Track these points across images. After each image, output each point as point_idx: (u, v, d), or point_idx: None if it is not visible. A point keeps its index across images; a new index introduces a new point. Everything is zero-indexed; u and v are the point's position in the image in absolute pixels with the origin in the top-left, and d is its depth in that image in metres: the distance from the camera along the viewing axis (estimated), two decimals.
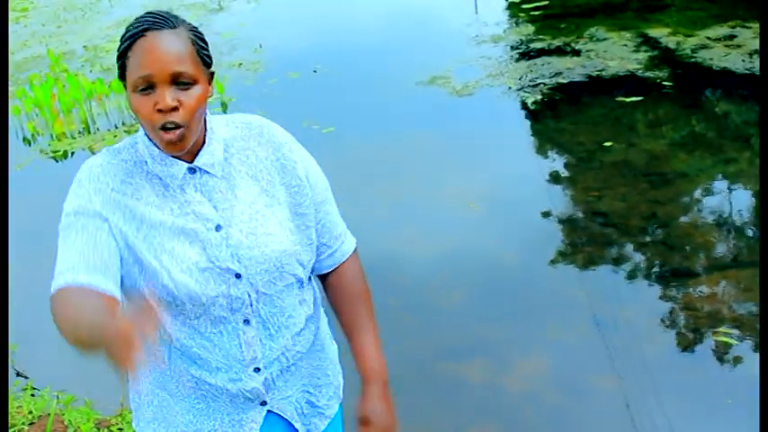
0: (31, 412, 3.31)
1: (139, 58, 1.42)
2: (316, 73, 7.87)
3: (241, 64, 8.48)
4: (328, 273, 1.74)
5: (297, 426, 1.72)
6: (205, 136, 1.54)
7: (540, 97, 6.43)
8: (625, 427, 3.14)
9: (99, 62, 9.29)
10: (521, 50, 7.70)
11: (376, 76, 7.55)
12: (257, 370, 1.60)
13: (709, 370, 3.41)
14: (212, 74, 1.54)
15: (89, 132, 7.27)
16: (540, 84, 6.69)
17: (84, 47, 10.19)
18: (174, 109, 1.42)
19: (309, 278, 1.72)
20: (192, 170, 1.54)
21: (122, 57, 1.45)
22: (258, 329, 1.58)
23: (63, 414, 3.28)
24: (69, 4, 13.00)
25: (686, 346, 3.56)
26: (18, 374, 3.95)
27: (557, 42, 7.70)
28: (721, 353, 3.48)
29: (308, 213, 1.63)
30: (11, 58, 10.14)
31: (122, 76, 1.47)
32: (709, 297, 3.84)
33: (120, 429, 3.20)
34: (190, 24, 1.50)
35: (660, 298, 3.89)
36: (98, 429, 3.20)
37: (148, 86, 1.42)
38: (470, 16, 9.42)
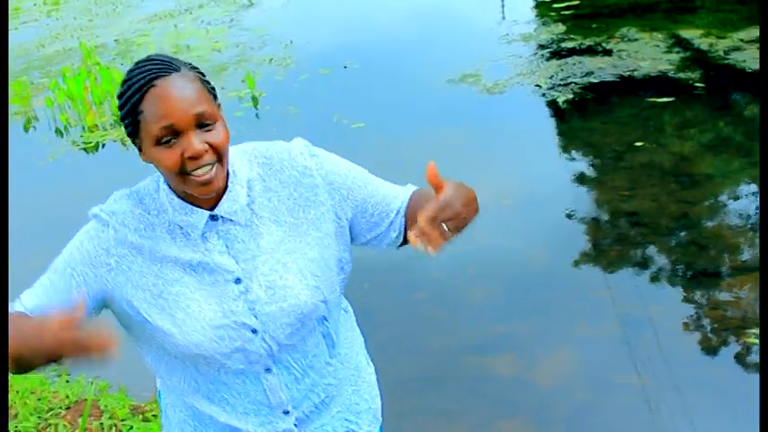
0: (67, 397, 3.37)
1: (157, 110, 1.34)
2: (346, 69, 7.90)
3: (272, 60, 8.53)
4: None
5: None
6: (227, 180, 1.47)
7: (570, 96, 6.42)
8: (650, 424, 3.15)
9: (130, 55, 9.38)
10: (551, 50, 7.68)
11: (406, 73, 7.56)
12: (286, 412, 1.58)
13: (736, 370, 3.40)
14: (219, 105, 1.47)
15: (120, 125, 7.34)
16: (570, 83, 6.68)
17: (116, 40, 10.30)
18: (205, 153, 1.38)
19: (340, 291, 1.64)
20: (215, 218, 1.48)
21: (132, 113, 1.37)
22: (281, 376, 1.55)
23: (98, 399, 3.33)
24: None
25: (713, 346, 3.55)
26: None
27: (588, 42, 7.67)
28: (748, 354, 3.47)
29: (337, 238, 1.56)
30: (42, 50, 10.28)
31: (134, 132, 1.40)
32: (738, 298, 3.83)
33: (154, 416, 3.24)
34: (189, 64, 1.44)
35: (688, 298, 3.89)
36: (133, 415, 3.25)
37: (171, 136, 1.36)
38: (499, 15, 9.42)
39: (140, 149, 1.42)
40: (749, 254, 4.26)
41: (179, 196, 1.47)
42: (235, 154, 1.50)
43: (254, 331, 1.48)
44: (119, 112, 1.42)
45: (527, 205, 4.97)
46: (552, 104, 6.40)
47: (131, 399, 3.40)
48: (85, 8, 12.57)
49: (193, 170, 1.38)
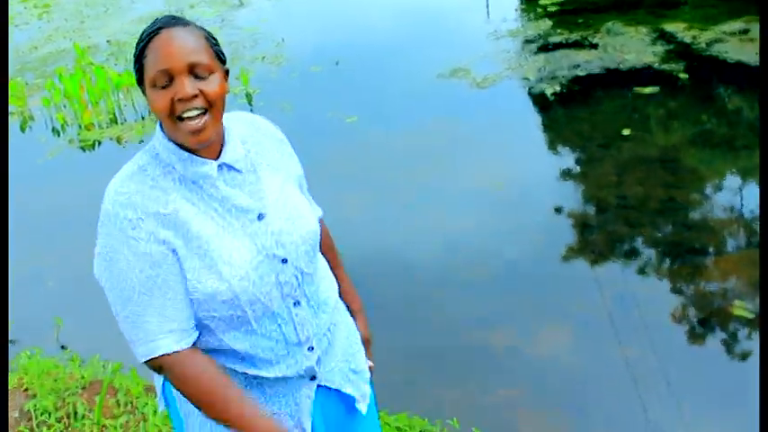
0: (83, 377, 3.49)
1: (156, 55, 1.45)
2: (337, 66, 8.04)
3: (264, 57, 8.66)
4: None
5: (347, 390, 1.81)
6: (224, 134, 1.58)
7: (558, 89, 6.59)
8: (640, 392, 3.30)
9: (123, 56, 9.48)
10: (538, 44, 7.85)
11: (397, 69, 7.71)
12: (311, 349, 1.69)
13: (722, 340, 3.58)
14: (227, 71, 1.58)
15: (116, 123, 7.46)
16: (558, 76, 6.85)
17: (108, 41, 10.39)
18: (194, 98, 1.46)
19: None
20: (220, 167, 1.57)
21: (139, 58, 1.48)
22: (306, 308, 1.66)
23: (112, 380, 3.45)
24: (91, 1, 13.21)
25: (700, 318, 3.72)
26: (62, 347, 4.14)
27: (574, 36, 7.85)
28: (733, 324, 3.64)
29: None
30: (35, 52, 10.36)
31: (140, 79, 1.50)
32: (723, 274, 4.00)
33: None
34: (199, 26, 1.54)
35: (675, 275, 4.06)
36: (146, 393, 3.38)
37: (167, 81, 1.45)
38: (495, 12, 9.59)
39: (144, 92, 1.52)
40: (734, 234, 4.43)
41: (184, 149, 1.54)
42: (226, 117, 1.60)
43: (284, 261, 1.60)
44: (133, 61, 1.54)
45: (520, 192, 5.13)
46: (541, 97, 6.57)
47: (143, 378, 3.53)
48: (76, 10, 12.65)
49: (183, 113, 1.46)
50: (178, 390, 1.57)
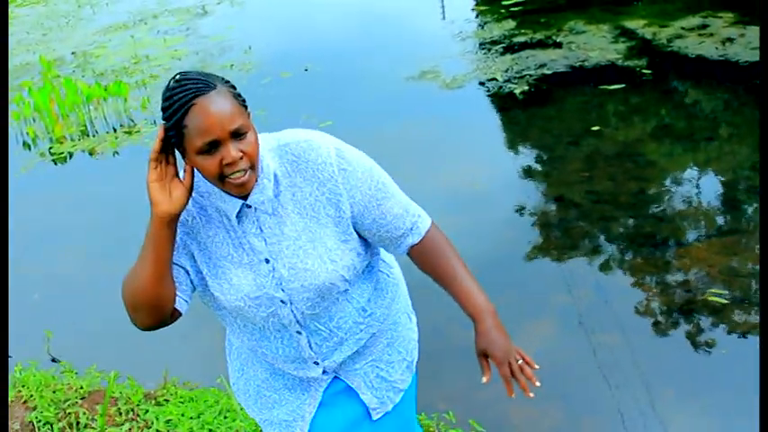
0: (81, 387, 3.54)
1: (199, 126, 1.52)
2: (307, 72, 8.12)
3: (233, 65, 8.71)
4: (410, 251, 1.83)
5: (365, 398, 1.93)
6: (257, 175, 1.65)
7: (526, 88, 6.74)
8: (623, 380, 3.43)
9: (90, 68, 9.47)
10: (504, 44, 8.00)
11: (366, 73, 7.82)
12: (316, 363, 1.85)
13: (703, 326, 3.72)
14: (249, 114, 1.65)
15: (88, 135, 7.46)
16: (525, 75, 7.01)
17: (73, 53, 10.35)
18: (240, 159, 1.57)
19: (373, 268, 1.88)
20: (248, 206, 1.69)
21: (177, 127, 1.55)
22: (310, 337, 1.81)
23: (111, 389, 3.50)
24: (51, 13, 13.14)
25: (679, 307, 3.87)
26: (53, 360, 4.17)
27: (538, 36, 8.02)
28: (710, 310, 3.79)
29: (355, 237, 1.76)
30: None
31: (179, 142, 1.58)
32: (697, 263, 4.15)
33: (166, 400, 3.44)
34: (223, 78, 1.61)
35: (650, 264, 4.20)
36: (146, 400, 3.44)
37: (211, 147, 1.55)
38: (451, 14, 9.74)
39: (183, 155, 1.61)
40: (705, 223, 4.60)
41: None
42: (265, 149, 1.68)
43: (283, 302, 1.73)
44: (165, 122, 1.59)
45: (493, 190, 5.26)
46: (510, 96, 6.71)
47: (141, 386, 3.59)
48: (37, 23, 12.57)
49: (230, 174, 1.57)
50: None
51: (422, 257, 1.81)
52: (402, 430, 2.08)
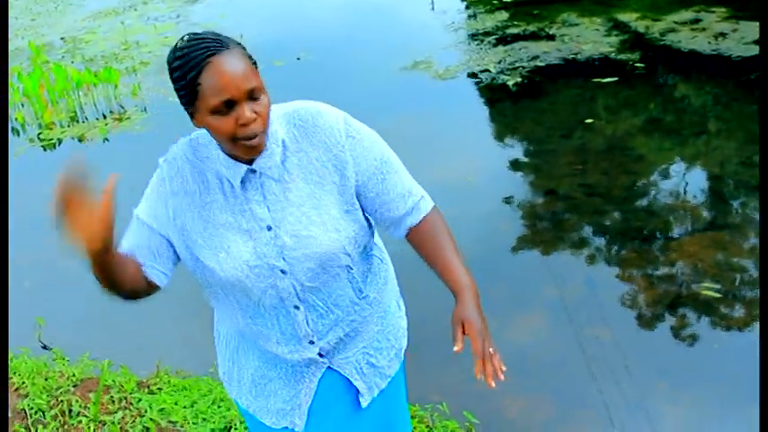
0: (74, 375, 3.53)
1: (215, 84, 1.51)
2: (299, 61, 8.10)
3: None
4: (407, 234, 1.82)
5: (357, 384, 1.92)
6: (266, 140, 1.64)
7: (519, 79, 6.75)
8: (615, 373, 3.45)
9: (80, 53, 9.40)
10: (497, 36, 8.00)
11: (359, 63, 7.80)
12: (311, 342, 1.81)
13: (696, 319, 3.75)
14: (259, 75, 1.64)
15: (77, 121, 7.42)
16: (518, 67, 7.01)
17: (62, 38, 10.28)
18: (254, 121, 1.56)
19: (370, 250, 1.86)
20: (253, 171, 1.66)
21: (190, 86, 1.53)
22: (307, 313, 1.76)
23: (104, 377, 3.50)
24: None
25: (672, 299, 3.89)
26: (44, 347, 4.16)
27: (531, 28, 8.02)
28: (701, 301, 3.82)
29: (358, 209, 1.75)
30: None
31: (190, 102, 1.56)
32: (690, 256, 4.18)
33: (159, 389, 3.43)
34: (235, 40, 1.59)
35: (643, 257, 4.22)
36: (139, 388, 3.43)
37: (228, 108, 1.53)
38: (440, 4, 9.73)
39: (192, 115, 1.59)
40: (698, 217, 4.62)
41: (223, 151, 1.66)
42: (274, 115, 1.66)
43: (284, 272, 1.69)
44: (173, 83, 1.58)
45: (486, 182, 5.26)
46: (503, 88, 6.71)
47: (135, 375, 3.58)
48: (26, 7, 12.47)
49: (243, 136, 1.56)
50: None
51: (419, 238, 1.80)
52: (391, 417, 2.08)
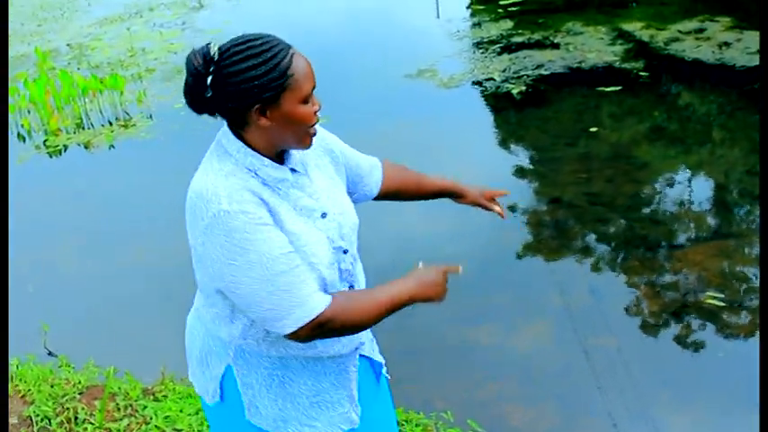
0: (79, 382, 3.53)
1: (305, 72, 1.63)
2: None
3: None
4: (381, 184, 2.08)
5: (377, 357, 1.98)
6: None
7: (523, 88, 6.77)
8: (620, 380, 3.46)
9: (86, 60, 9.44)
10: (502, 44, 8.03)
11: (363, 71, 7.83)
12: None
13: (701, 328, 3.75)
14: None
15: (83, 128, 7.44)
16: (523, 75, 7.03)
17: (69, 45, 10.32)
18: None
19: None
20: (293, 170, 1.72)
21: (282, 77, 1.59)
22: (357, 289, 1.86)
23: (110, 384, 3.50)
24: (46, 4, 13.08)
25: (677, 309, 3.89)
26: (49, 353, 4.17)
27: (536, 36, 8.04)
28: (706, 311, 3.82)
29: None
30: None
31: (275, 97, 1.59)
32: (694, 265, 4.18)
33: (164, 396, 3.44)
34: None
35: (647, 266, 4.23)
36: (144, 395, 3.44)
37: (311, 95, 1.65)
38: (445, 12, 9.76)
39: (263, 113, 1.61)
40: (702, 226, 4.63)
41: (267, 157, 1.68)
42: None
43: (345, 251, 1.79)
44: (256, 81, 1.56)
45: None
46: (507, 96, 6.73)
47: (140, 381, 3.59)
48: (32, 14, 12.52)
49: (315, 124, 1.69)
50: (347, 328, 1.70)
51: (390, 180, 2.10)
52: (388, 385, 2.13)
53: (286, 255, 1.61)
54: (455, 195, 2.28)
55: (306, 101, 1.63)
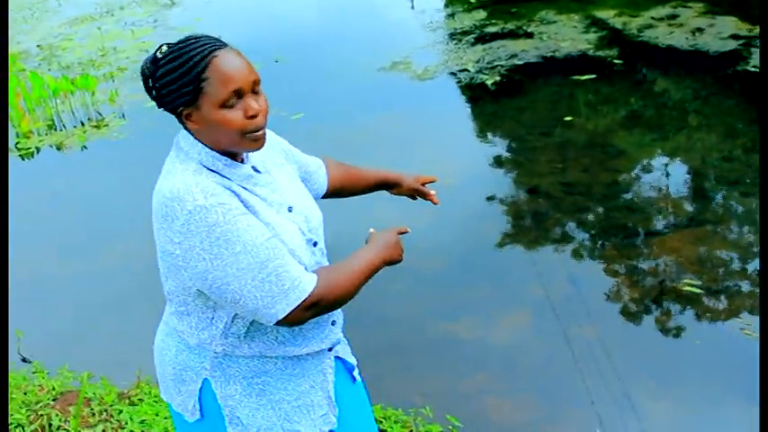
0: (53, 389, 3.48)
1: (223, 75, 1.54)
2: (277, 63, 8.06)
3: None
4: (328, 182, 2.09)
5: (350, 359, 1.96)
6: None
7: (498, 78, 6.74)
8: (600, 371, 3.45)
9: (57, 60, 9.31)
10: (475, 35, 8.00)
11: (337, 64, 7.77)
12: (334, 323, 1.86)
13: (680, 314, 3.75)
14: None
15: (55, 129, 7.34)
16: (497, 66, 7.00)
17: (39, 46, 10.18)
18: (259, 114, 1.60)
19: None
20: (255, 169, 1.71)
21: (195, 81, 1.54)
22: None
23: (84, 390, 3.45)
24: (16, 4, 12.89)
25: (654, 295, 3.89)
26: (24, 360, 4.10)
27: (509, 26, 8.02)
28: (684, 297, 3.82)
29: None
30: None
31: (193, 100, 1.56)
32: (671, 252, 4.18)
33: (140, 399, 3.39)
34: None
35: (625, 254, 4.23)
36: (120, 400, 3.39)
37: (235, 99, 1.56)
38: (420, 4, 9.72)
39: (189, 116, 1.59)
40: (678, 213, 4.63)
41: (225, 155, 1.65)
42: None
43: (315, 244, 1.78)
44: (165, 86, 1.56)
45: (468, 183, 5.24)
46: (481, 87, 6.71)
47: (115, 386, 3.53)
48: None
49: (251, 129, 1.59)
50: (336, 303, 1.69)
51: (334, 178, 2.11)
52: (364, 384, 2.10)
53: (269, 240, 1.59)
54: (392, 186, 2.28)
55: (225, 105, 1.56)
